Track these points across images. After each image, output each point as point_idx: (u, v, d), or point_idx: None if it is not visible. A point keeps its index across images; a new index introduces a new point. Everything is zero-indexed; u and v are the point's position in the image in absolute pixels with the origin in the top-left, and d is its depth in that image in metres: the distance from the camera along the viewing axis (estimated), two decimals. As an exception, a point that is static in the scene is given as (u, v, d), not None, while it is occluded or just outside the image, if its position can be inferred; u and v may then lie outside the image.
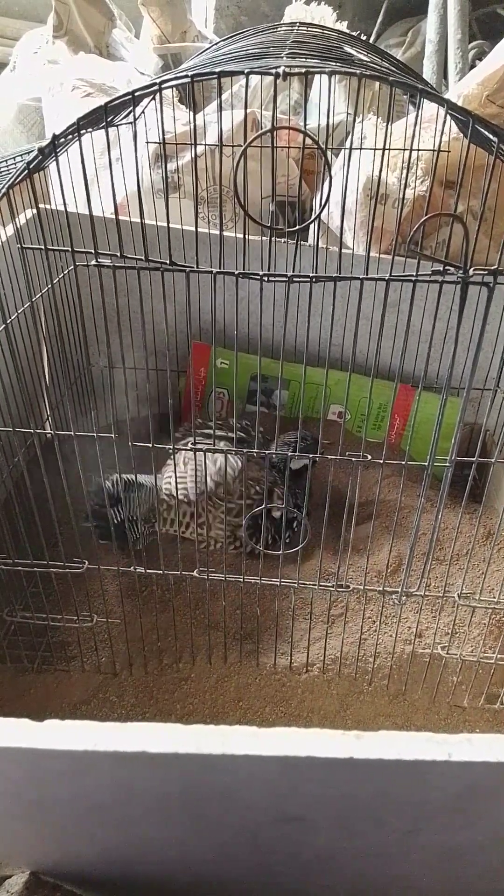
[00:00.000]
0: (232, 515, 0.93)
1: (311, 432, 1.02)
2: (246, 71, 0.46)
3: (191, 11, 1.93)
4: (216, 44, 0.87)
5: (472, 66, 1.97)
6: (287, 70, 0.46)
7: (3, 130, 1.68)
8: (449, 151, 0.93)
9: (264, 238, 1.01)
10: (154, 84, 0.48)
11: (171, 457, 0.78)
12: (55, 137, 0.51)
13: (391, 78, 0.47)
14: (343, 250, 0.72)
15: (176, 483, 0.73)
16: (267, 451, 0.68)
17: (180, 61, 1.85)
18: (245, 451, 0.70)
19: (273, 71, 0.45)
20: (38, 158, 0.52)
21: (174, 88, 1.41)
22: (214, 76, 0.46)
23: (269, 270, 0.56)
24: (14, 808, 0.48)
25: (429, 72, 2.06)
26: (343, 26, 1.49)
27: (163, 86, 0.48)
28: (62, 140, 0.52)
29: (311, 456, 0.70)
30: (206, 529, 0.93)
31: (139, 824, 0.49)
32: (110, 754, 0.39)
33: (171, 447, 0.66)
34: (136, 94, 0.48)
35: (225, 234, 0.60)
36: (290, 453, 0.73)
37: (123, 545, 0.89)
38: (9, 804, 0.48)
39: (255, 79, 1.48)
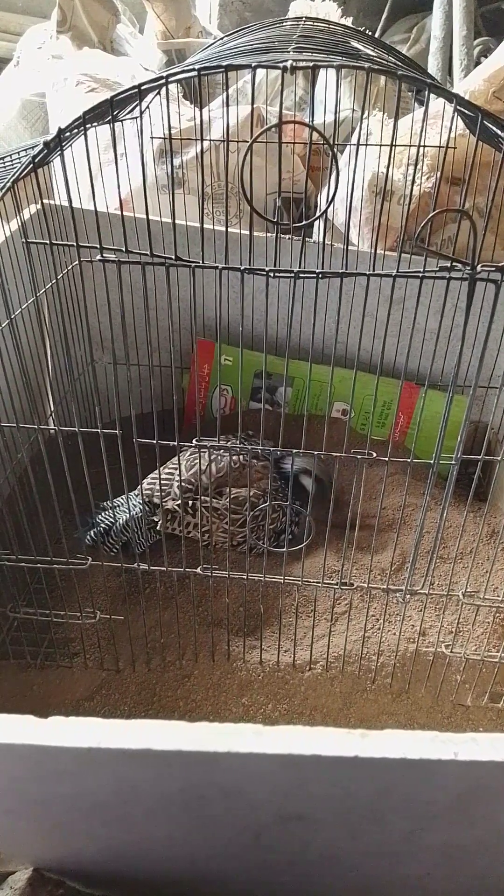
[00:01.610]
0: (236, 526, 0.93)
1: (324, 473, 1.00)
2: (253, 64, 0.46)
3: (195, 7, 1.93)
4: (221, 38, 0.86)
5: (477, 63, 1.97)
6: (294, 64, 0.46)
7: (7, 126, 1.67)
8: (455, 148, 0.93)
9: (269, 234, 1.01)
10: (161, 78, 0.48)
11: (177, 455, 0.77)
12: (61, 132, 0.51)
13: (399, 72, 0.47)
14: (348, 247, 0.71)
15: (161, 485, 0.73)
16: (271, 449, 0.68)
17: (184, 57, 1.85)
18: (249, 447, 0.69)
19: (280, 64, 0.45)
20: (44, 153, 0.52)
21: (178, 84, 1.40)
22: (222, 70, 0.46)
23: (274, 266, 0.55)
24: (18, 804, 0.48)
25: (434, 68, 2.06)
26: (348, 22, 1.48)
27: (170, 79, 0.47)
28: (68, 134, 0.51)
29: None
30: (210, 536, 0.93)
31: (142, 822, 0.49)
32: (114, 751, 0.39)
33: (177, 443, 0.65)
34: (143, 87, 0.48)
35: (230, 230, 0.60)
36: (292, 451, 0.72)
37: (127, 551, 0.91)
38: (12, 801, 0.48)
39: (259, 74, 1.47)
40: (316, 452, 0.68)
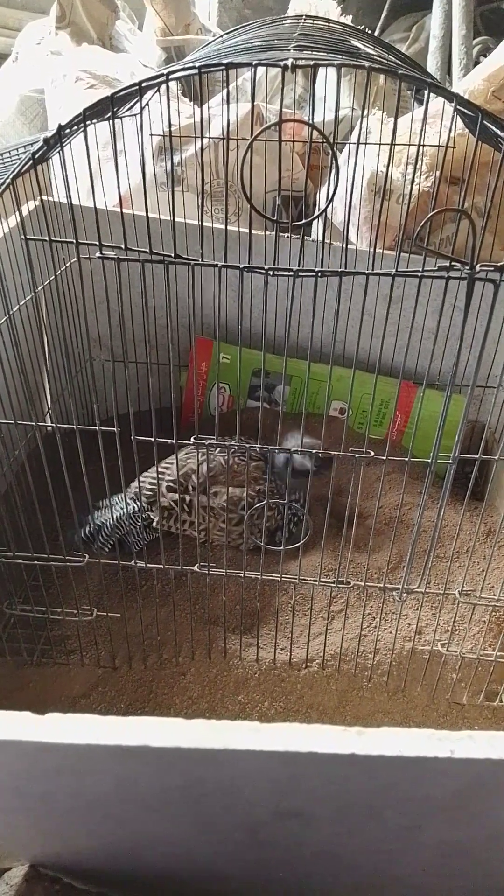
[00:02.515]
0: (232, 524, 0.93)
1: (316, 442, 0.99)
2: (254, 62, 0.46)
3: (194, 4, 1.93)
4: (221, 36, 0.86)
5: (476, 63, 1.97)
6: (295, 62, 0.46)
7: (5, 122, 1.67)
8: (454, 147, 0.93)
9: (268, 232, 1.01)
10: (161, 75, 0.48)
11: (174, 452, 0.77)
12: (61, 128, 0.51)
13: (400, 72, 0.47)
14: (347, 246, 0.71)
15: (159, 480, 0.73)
16: (270, 447, 0.68)
17: (184, 54, 1.84)
18: (249, 445, 0.69)
19: (281, 63, 0.45)
20: (44, 149, 0.51)
21: (177, 81, 1.40)
22: (222, 68, 0.46)
23: (273, 265, 0.55)
24: (14, 801, 0.48)
25: (433, 67, 2.06)
26: (347, 20, 1.48)
27: (170, 77, 0.47)
28: (68, 131, 0.51)
29: (314, 452, 0.69)
30: (207, 534, 0.93)
31: (139, 818, 0.49)
32: (112, 748, 0.39)
33: (175, 440, 0.65)
34: (143, 84, 0.48)
35: (228, 228, 0.60)
36: (291, 450, 0.72)
37: (125, 551, 0.91)
38: (9, 797, 0.48)
39: (259, 72, 1.47)
40: (314, 451, 0.69)
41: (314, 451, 0.67)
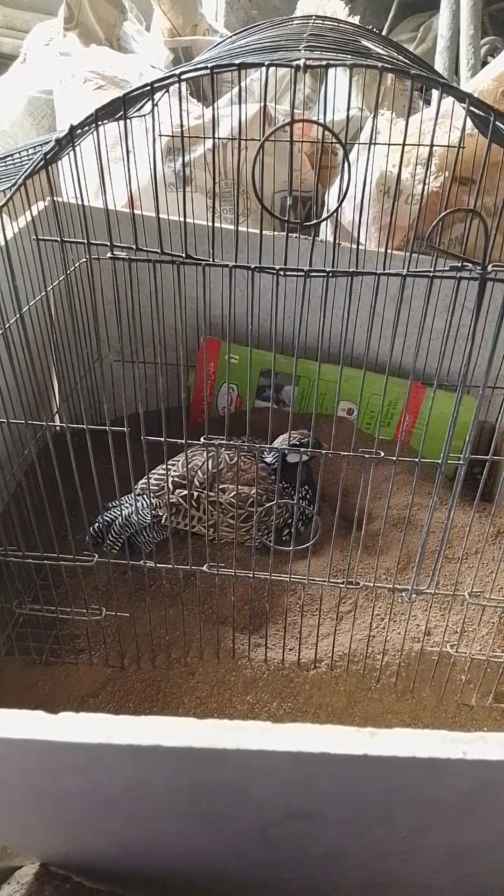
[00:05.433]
0: (240, 520, 0.93)
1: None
2: (266, 63, 0.46)
3: (202, 5, 1.93)
4: (230, 37, 0.86)
5: (484, 62, 1.96)
6: (307, 62, 0.46)
7: (13, 122, 1.67)
8: (464, 147, 0.93)
9: (277, 233, 1.01)
10: (173, 75, 0.48)
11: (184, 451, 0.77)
12: (73, 129, 0.51)
13: (413, 72, 0.47)
14: (354, 246, 0.71)
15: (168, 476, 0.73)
16: (268, 447, 0.68)
17: (191, 55, 1.85)
18: (259, 446, 0.69)
19: (294, 63, 0.45)
20: (56, 149, 0.52)
21: (186, 81, 1.41)
22: (234, 68, 0.46)
23: (282, 265, 0.55)
24: (26, 800, 0.48)
25: (440, 67, 2.05)
26: (355, 20, 1.48)
27: (182, 77, 0.48)
28: (80, 132, 0.51)
29: (308, 451, 0.69)
30: (216, 531, 0.93)
31: (150, 818, 0.49)
32: (124, 747, 0.39)
33: (184, 440, 0.65)
34: (155, 85, 0.48)
35: (236, 228, 0.60)
36: (287, 448, 0.72)
37: (135, 552, 0.91)
38: (21, 796, 0.48)
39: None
40: (323, 451, 0.69)
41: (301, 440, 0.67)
